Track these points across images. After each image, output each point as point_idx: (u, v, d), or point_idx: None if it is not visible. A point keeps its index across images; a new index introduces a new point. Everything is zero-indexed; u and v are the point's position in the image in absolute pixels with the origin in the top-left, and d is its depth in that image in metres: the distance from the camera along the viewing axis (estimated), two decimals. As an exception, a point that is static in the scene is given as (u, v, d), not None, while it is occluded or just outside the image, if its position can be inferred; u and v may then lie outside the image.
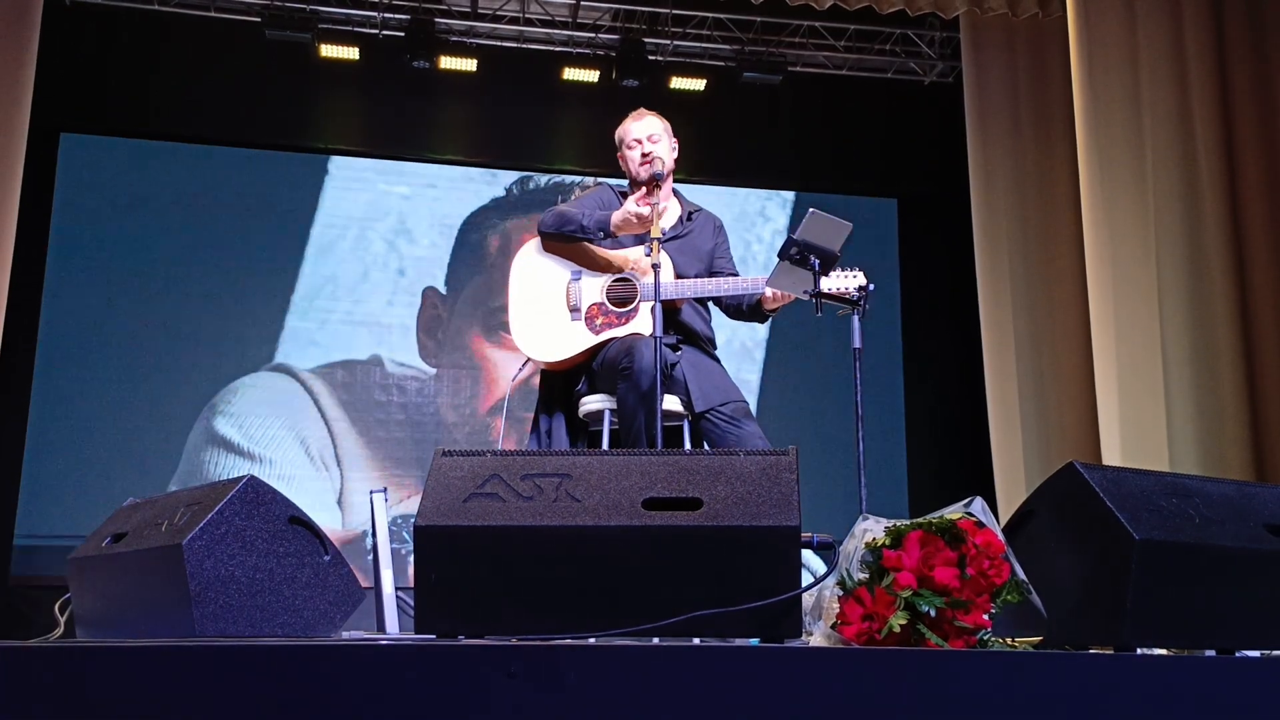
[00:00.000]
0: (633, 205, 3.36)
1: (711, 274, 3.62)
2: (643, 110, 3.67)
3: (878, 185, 7.34)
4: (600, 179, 6.63)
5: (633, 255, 3.51)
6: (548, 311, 3.50)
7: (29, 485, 6.11)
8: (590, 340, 3.44)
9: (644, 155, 3.54)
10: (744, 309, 3.59)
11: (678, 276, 3.48)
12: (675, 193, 3.72)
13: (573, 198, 3.81)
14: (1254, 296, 5.32)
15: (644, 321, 3.41)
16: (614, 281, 3.49)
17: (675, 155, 3.64)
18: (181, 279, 6.52)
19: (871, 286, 3.24)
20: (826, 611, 1.77)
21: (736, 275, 3.61)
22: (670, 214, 3.62)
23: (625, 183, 3.74)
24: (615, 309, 3.46)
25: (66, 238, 6.42)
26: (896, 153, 7.30)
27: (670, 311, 3.44)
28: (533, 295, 3.53)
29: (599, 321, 3.46)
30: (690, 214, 3.67)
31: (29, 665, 1.40)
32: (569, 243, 3.51)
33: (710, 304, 3.67)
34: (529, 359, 3.56)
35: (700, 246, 3.63)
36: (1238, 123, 5.47)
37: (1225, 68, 5.51)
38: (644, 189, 3.48)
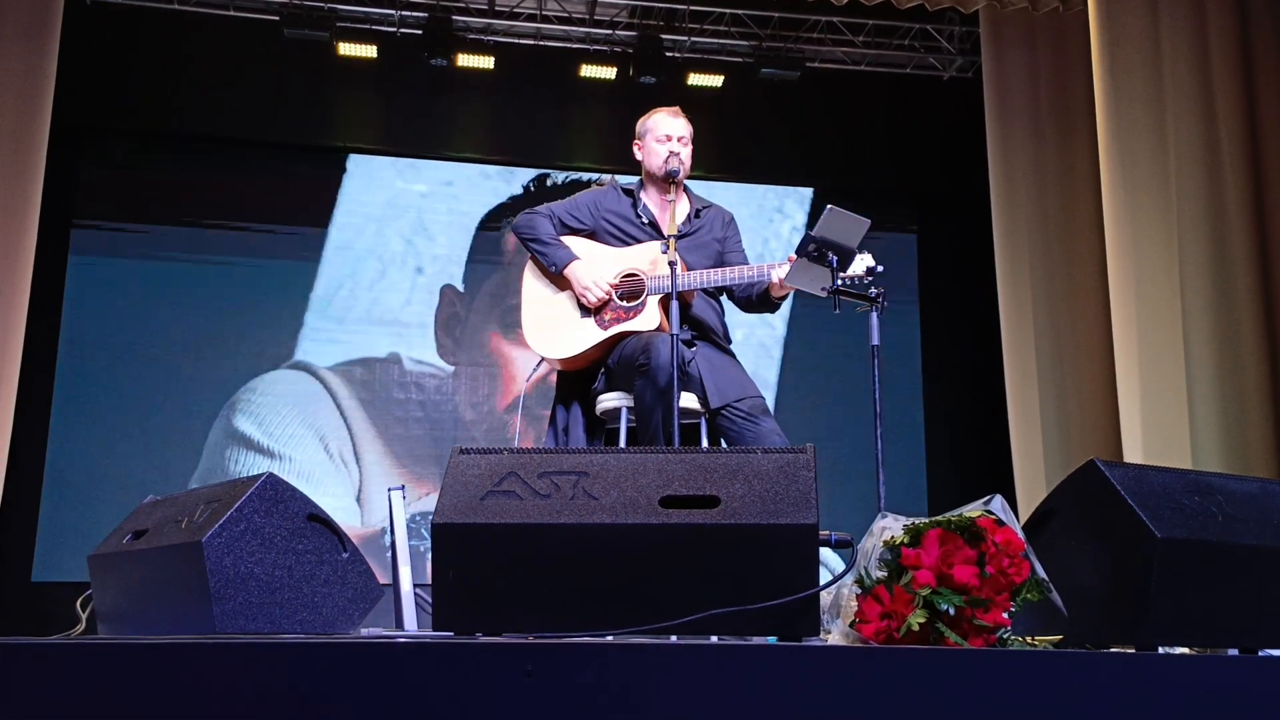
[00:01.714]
0: (595, 292, 3.45)
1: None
2: (678, 109, 3.68)
3: (896, 181, 7.31)
4: (617, 176, 6.65)
5: (645, 253, 3.51)
6: (557, 309, 3.52)
7: (51, 483, 6.16)
8: (599, 335, 3.45)
9: (671, 153, 3.55)
10: (753, 299, 3.59)
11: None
12: (686, 189, 3.72)
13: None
14: (1278, 293, 5.27)
15: (651, 315, 3.41)
16: (623, 277, 3.50)
17: (690, 161, 3.66)
18: (200, 277, 6.55)
19: (880, 268, 3.23)
20: (845, 610, 1.77)
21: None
22: (680, 213, 3.62)
23: (635, 179, 3.74)
24: (623, 304, 3.47)
25: (86, 236, 6.47)
26: (915, 149, 7.26)
27: (682, 306, 3.44)
28: (544, 295, 3.56)
29: (608, 317, 3.47)
30: (698, 211, 3.67)
31: (51, 662, 1.41)
32: (531, 250, 3.59)
33: (723, 298, 3.67)
34: (542, 358, 3.57)
35: (709, 243, 3.64)
36: (1262, 118, 5.41)
37: (1249, 62, 5.46)
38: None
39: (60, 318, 6.31)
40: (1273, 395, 5.17)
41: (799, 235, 6.83)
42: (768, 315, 4.75)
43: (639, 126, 3.68)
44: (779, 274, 3.34)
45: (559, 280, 3.54)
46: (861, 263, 3.23)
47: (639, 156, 3.67)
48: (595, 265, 3.51)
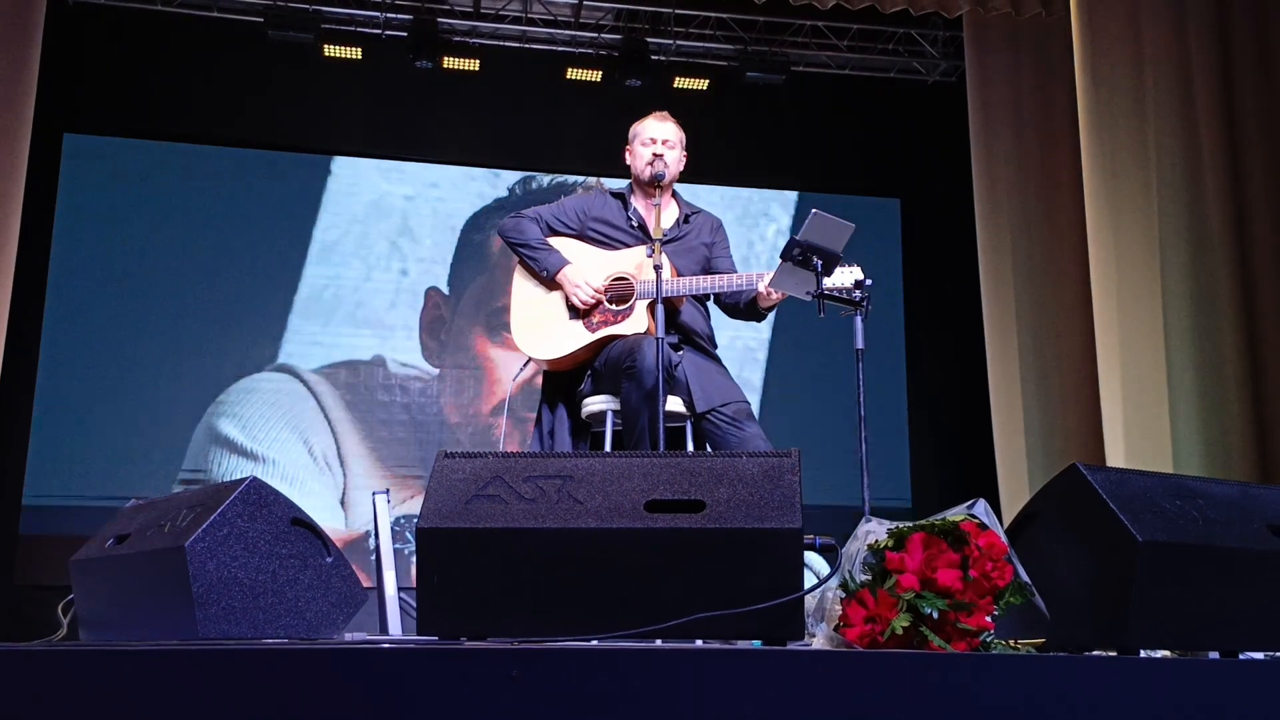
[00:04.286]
0: (585, 292, 3.44)
1: (709, 273, 3.63)
2: (666, 114, 3.68)
3: (881, 185, 7.34)
4: (603, 179, 6.66)
5: (634, 257, 3.52)
6: (546, 311, 3.53)
7: (33, 486, 6.11)
8: (587, 338, 3.46)
9: (655, 155, 3.55)
10: (740, 306, 3.60)
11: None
12: (675, 195, 3.73)
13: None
14: (1259, 297, 5.31)
15: (640, 319, 3.42)
16: (612, 280, 3.51)
17: (682, 166, 3.66)
18: (184, 279, 6.52)
19: (869, 281, 3.24)
20: (829, 614, 1.77)
21: (735, 273, 3.62)
22: (668, 217, 3.62)
23: (625, 183, 3.75)
24: (612, 307, 3.47)
25: (70, 238, 6.43)
26: (899, 152, 7.29)
27: (670, 311, 3.45)
28: (533, 296, 3.57)
29: (595, 320, 3.47)
30: (687, 216, 3.68)
31: (32, 667, 1.40)
32: (520, 255, 3.59)
33: (709, 303, 3.68)
34: (529, 359, 3.58)
35: (697, 247, 3.64)
36: (1242, 122, 5.45)
37: (1229, 67, 5.50)
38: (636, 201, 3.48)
39: (42, 320, 6.27)
40: (1253, 398, 5.21)
41: (784, 238, 6.84)
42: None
43: (630, 132, 3.68)
44: (765, 283, 3.35)
45: (549, 282, 3.54)
46: (850, 275, 3.24)
47: (628, 161, 3.67)
48: (585, 269, 3.51)
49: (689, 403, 3.40)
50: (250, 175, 6.76)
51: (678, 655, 1.45)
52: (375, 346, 6.74)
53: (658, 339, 3.17)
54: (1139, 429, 5.14)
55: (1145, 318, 5.23)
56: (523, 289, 3.60)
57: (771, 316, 3.87)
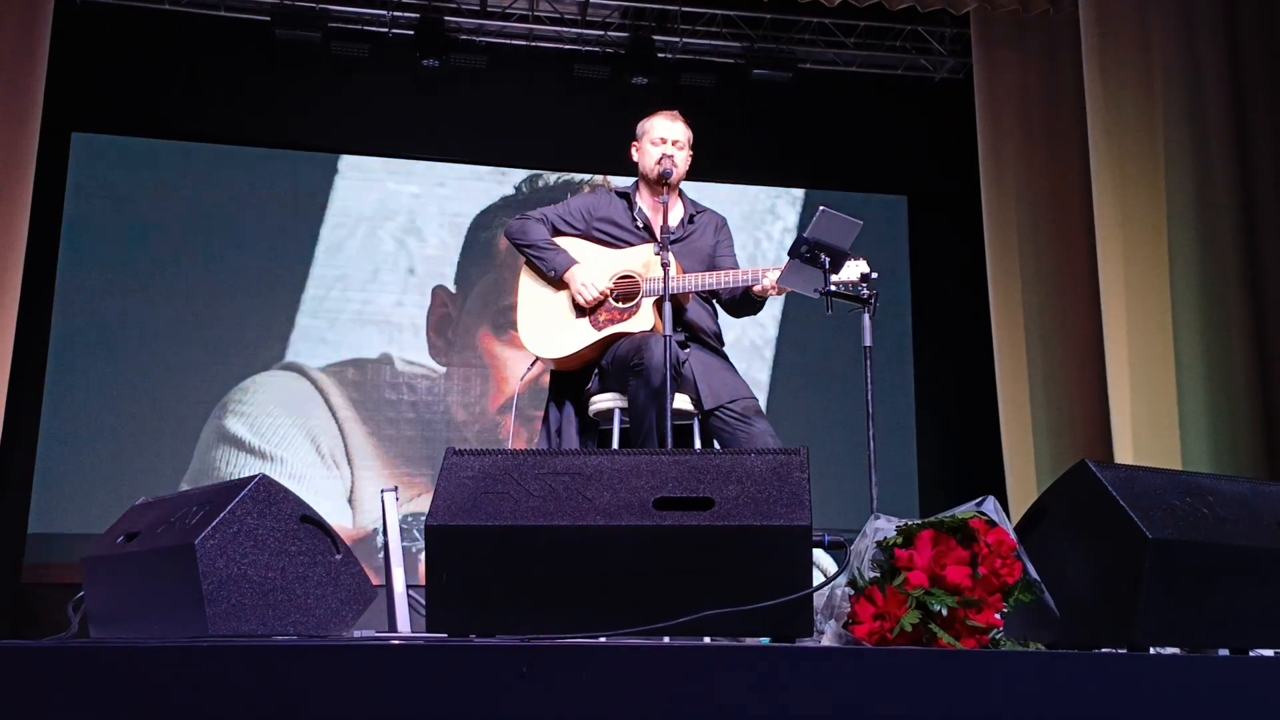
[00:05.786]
0: (590, 291, 3.45)
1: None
2: (676, 113, 3.69)
3: (888, 182, 7.32)
4: (610, 177, 6.66)
5: (640, 255, 3.52)
6: (553, 309, 3.53)
7: (41, 484, 6.13)
8: (593, 336, 3.46)
9: (664, 155, 3.55)
10: (737, 299, 3.59)
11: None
12: (681, 193, 3.73)
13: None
14: (1267, 292, 5.29)
15: (646, 317, 3.42)
16: (619, 279, 3.51)
17: (688, 165, 3.66)
18: (192, 277, 6.53)
19: (875, 275, 3.24)
20: (838, 611, 1.77)
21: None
22: (674, 216, 3.62)
23: (630, 180, 3.75)
24: (618, 305, 3.47)
25: (78, 237, 6.44)
26: (907, 150, 7.27)
27: (676, 309, 3.45)
28: (540, 295, 3.57)
29: (602, 318, 3.48)
30: (693, 216, 3.68)
31: (42, 664, 1.40)
32: (527, 256, 3.60)
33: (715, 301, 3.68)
34: (536, 358, 3.58)
35: (701, 247, 3.65)
36: (1252, 117, 5.44)
37: (1239, 62, 5.48)
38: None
39: (50, 318, 6.28)
40: (1262, 395, 5.20)
41: (790, 236, 6.83)
42: (759, 315, 4.78)
43: (638, 129, 3.68)
44: (771, 278, 3.35)
45: (556, 281, 3.55)
46: (856, 269, 3.24)
47: (636, 158, 3.67)
48: (591, 268, 3.51)
49: (696, 400, 3.40)
50: (257, 174, 6.76)
51: (686, 653, 1.45)
52: (382, 345, 6.74)
53: (665, 336, 3.17)
54: (1147, 425, 5.13)
55: (1153, 314, 5.22)
56: (530, 288, 3.60)
57: (778, 313, 3.88)
